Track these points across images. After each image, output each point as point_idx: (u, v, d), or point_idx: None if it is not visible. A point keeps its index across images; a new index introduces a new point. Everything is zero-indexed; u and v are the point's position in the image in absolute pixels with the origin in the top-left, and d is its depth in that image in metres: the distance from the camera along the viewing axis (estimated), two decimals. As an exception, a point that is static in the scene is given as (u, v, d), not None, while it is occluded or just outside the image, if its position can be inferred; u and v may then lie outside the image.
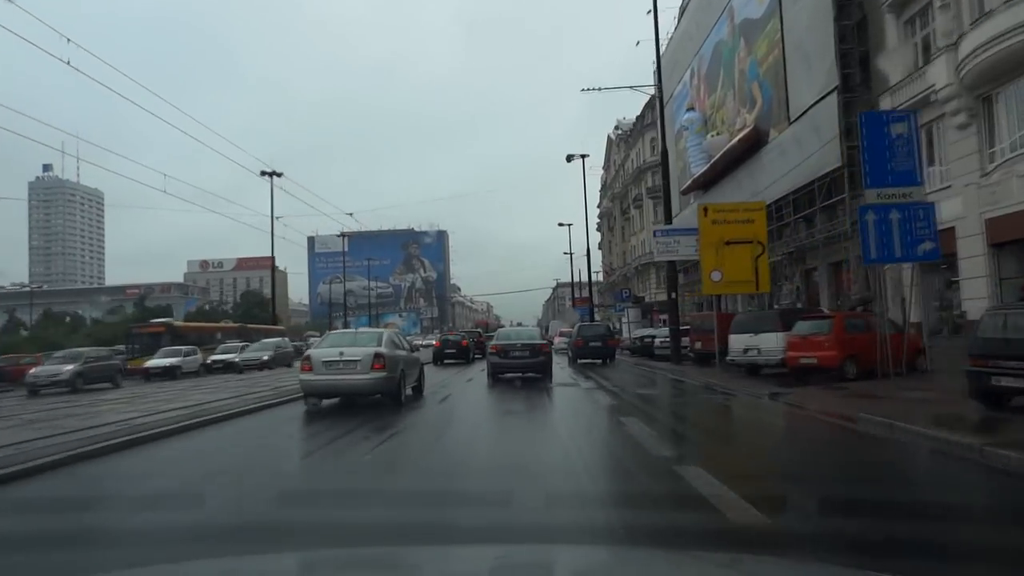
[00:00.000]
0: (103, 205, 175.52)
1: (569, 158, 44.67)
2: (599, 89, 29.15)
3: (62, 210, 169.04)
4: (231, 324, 51.41)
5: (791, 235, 28.15)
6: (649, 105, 62.10)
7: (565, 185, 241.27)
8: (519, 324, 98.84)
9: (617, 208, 74.51)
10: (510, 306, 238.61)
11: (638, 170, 63.72)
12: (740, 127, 31.45)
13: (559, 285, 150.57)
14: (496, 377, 18.94)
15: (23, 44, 20.85)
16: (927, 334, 16.33)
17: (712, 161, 33.32)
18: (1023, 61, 16.42)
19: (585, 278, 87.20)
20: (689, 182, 38.17)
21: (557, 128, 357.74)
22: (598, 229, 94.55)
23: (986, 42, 16.88)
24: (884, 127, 12.16)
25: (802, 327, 14.59)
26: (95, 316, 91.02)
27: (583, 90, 49.06)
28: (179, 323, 45.75)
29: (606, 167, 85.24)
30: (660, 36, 27.53)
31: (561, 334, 51.07)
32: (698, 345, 20.71)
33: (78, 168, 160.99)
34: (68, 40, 20.37)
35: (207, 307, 74.14)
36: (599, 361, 26.97)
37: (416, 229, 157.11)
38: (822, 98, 23.70)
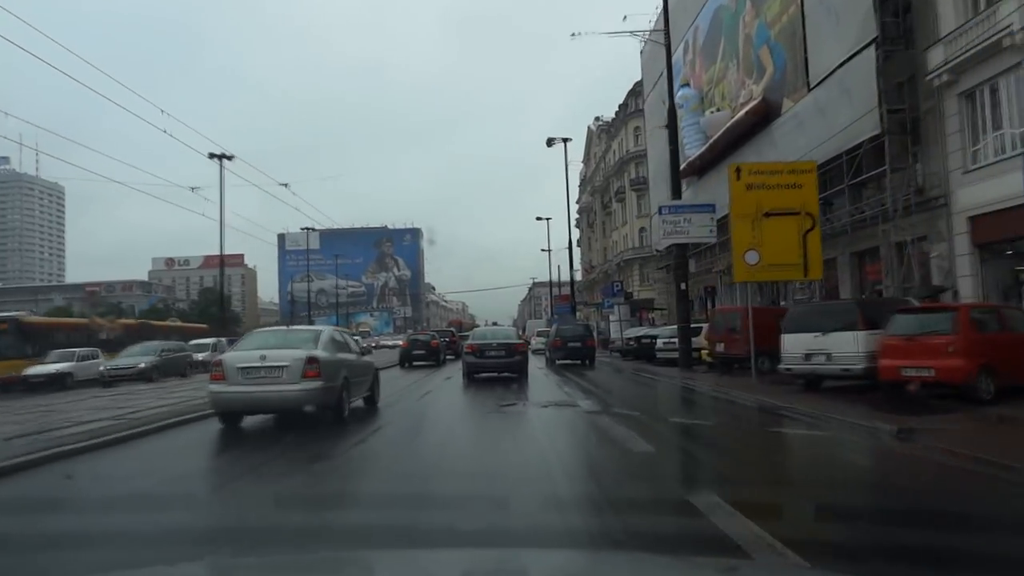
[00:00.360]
0: (64, 200, 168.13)
1: (550, 142, 40.66)
2: (592, 34, 25.11)
3: (19, 205, 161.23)
4: (131, 321, 43.88)
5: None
6: (632, 93, 58.44)
7: (543, 186, 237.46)
8: (494, 324, 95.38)
9: (598, 202, 70.69)
10: (485, 306, 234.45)
11: (621, 161, 59.90)
12: (745, 101, 27.65)
13: (535, 284, 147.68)
14: (472, 377, 18.52)
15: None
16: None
17: (711, 141, 29.47)
18: None
19: (563, 276, 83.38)
20: (684, 166, 34.24)
21: (537, 129, 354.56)
22: (577, 226, 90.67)
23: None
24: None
25: (905, 323, 10.28)
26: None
27: (572, 35, 45.02)
28: (34, 319, 35.15)
29: (585, 161, 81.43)
30: (648, 13, 23.49)
31: (539, 334, 46.67)
32: (719, 347, 16.61)
33: (37, 161, 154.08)
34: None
35: (161, 305, 68.98)
36: (578, 362, 25.49)
37: (390, 227, 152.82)
38: (854, 55, 19.87)
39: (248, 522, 5.13)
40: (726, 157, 30.17)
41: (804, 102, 23.07)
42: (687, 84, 34.55)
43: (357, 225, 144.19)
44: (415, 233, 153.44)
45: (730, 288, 34.69)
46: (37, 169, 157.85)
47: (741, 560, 2.24)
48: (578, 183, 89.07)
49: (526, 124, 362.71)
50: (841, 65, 20.60)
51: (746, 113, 26.08)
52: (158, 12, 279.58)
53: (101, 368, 25.68)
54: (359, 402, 12.67)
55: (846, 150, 20.78)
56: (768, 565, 2.11)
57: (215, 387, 10.50)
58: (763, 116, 25.78)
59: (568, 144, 41.13)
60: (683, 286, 19.27)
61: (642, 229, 57.46)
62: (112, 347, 29.99)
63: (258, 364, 10.40)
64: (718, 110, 30.13)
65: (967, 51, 16.52)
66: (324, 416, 10.81)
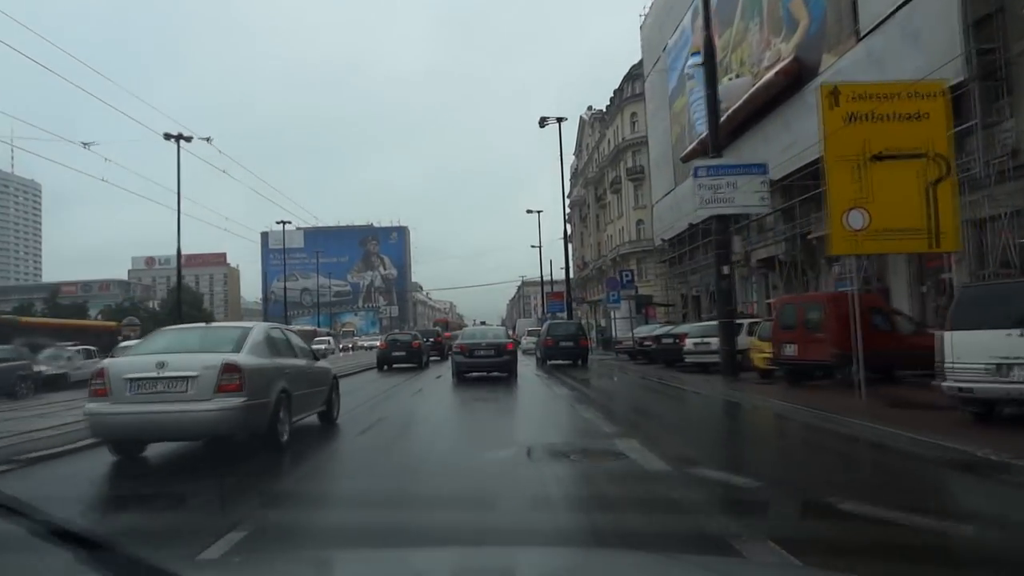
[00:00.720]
0: (40, 198, 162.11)
1: (542, 122, 36.50)
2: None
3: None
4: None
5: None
6: (629, 78, 54.51)
7: (533, 185, 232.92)
8: (483, 323, 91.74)
9: (591, 195, 66.68)
10: (474, 305, 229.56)
11: (616, 150, 55.89)
12: (771, 63, 23.73)
13: (525, 283, 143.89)
14: (461, 376, 18.47)
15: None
16: None
17: (730, 111, 25.49)
18: None
19: (556, 274, 79.50)
20: (694, 144, 30.32)
21: (526, 126, 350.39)
22: (568, 221, 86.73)
23: None
24: None
25: None
26: None
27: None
28: None
29: (577, 153, 77.44)
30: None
31: (529, 333, 44.18)
32: (789, 350, 12.02)
33: (12, 157, 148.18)
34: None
35: (127, 304, 64.24)
36: (570, 362, 24.15)
37: (376, 225, 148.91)
38: (924, -12, 15.96)
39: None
40: (746, 131, 26.30)
41: (852, 55, 19.15)
42: (698, 51, 30.48)
43: (343, 223, 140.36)
44: (401, 231, 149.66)
45: (746, 281, 30.78)
46: (12, 165, 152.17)
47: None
48: (569, 176, 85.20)
49: (515, 122, 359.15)
50: (904, 4, 16.67)
51: (776, 74, 22.12)
52: (139, 9, 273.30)
53: None
54: (313, 418, 10.15)
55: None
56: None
57: (94, 406, 7.59)
58: (795, 77, 21.85)
59: (562, 125, 37.01)
60: (725, 269, 15.17)
61: (639, 221, 53.52)
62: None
63: (155, 374, 7.56)
64: (737, 76, 26.16)
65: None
66: (254, 443, 7.96)
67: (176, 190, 37.93)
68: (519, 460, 6.91)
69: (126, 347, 13.01)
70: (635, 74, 53.27)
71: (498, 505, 5.10)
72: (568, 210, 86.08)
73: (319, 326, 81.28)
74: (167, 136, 36.51)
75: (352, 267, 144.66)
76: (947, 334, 7.01)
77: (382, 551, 3.01)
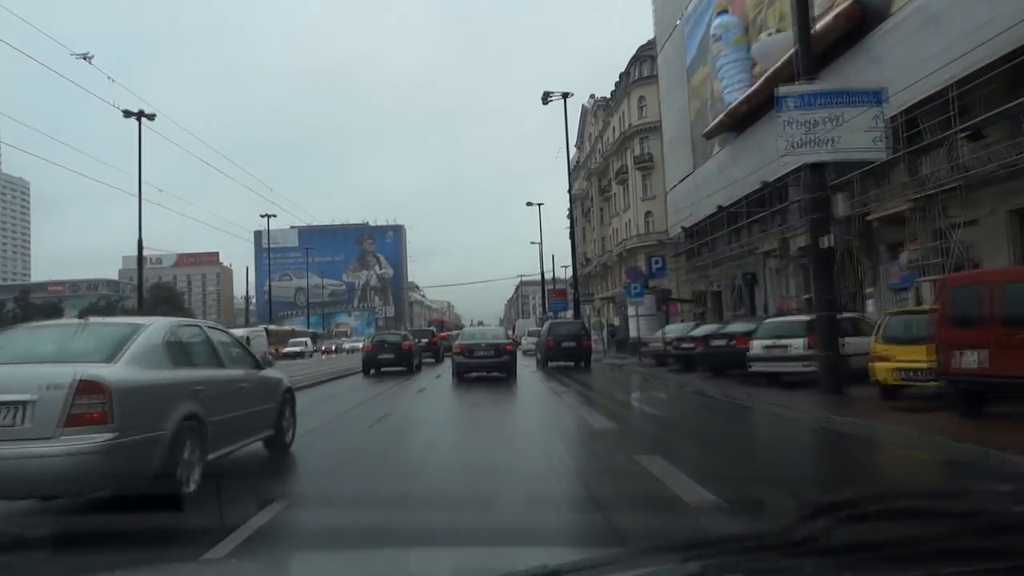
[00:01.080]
0: (28, 196, 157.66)
1: (545, 98, 32.62)
2: None
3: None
4: None
5: (935, 165, 16.58)
6: (636, 60, 50.57)
7: (531, 185, 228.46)
8: (480, 323, 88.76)
9: (595, 187, 62.69)
10: (471, 305, 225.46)
11: (623, 137, 51.91)
12: (822, 11, 19.73)
13: (523, 283, 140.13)
14: (461, 376, 18.41)
15: None
16: None
17: (768, 73, 21.52)
18: None
19: (554, 271, 75.51)
20: (721, 116, 26.37)
21: (526, 126, 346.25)
22: (569, 216, 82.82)
23: None
24: None
25: None
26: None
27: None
28: None
29: (579, 144, 73.44)
30: None
31: (530, 333, 42.27)
32: (972, 359, 7.20)
33: (0, 154, 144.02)
34: None
35: (102, 303, 60.00)
36: (572, 364, 23.09)
37: (372, 223, 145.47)
38: None
39: None
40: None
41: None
42: (725, 11, 26.59)
43: (338, 222, 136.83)
44: (397, 230, 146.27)
45: (779, 274, 26.84)
46: (0, 163, 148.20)
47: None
48: (570, 169, 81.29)
49: (514, 121, 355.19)
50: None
51: (835, 17, 18.12)
52: (132, 14, 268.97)
53: None
54: (258, 444, 7.57)
55: (1007, 53, 13.01)
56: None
57: None
58: (858, 22, 17.89)
59: (568, 101, 33.08)
60: (825, 241, 11.09)
61: (648, 213, 49.58)
62: None
63: None
64: (777, 31, 22.19)
65: None
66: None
67: (138, 175, 34.09)
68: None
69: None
70: (643, 55, 49.37)
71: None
72: (568, 206, 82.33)
73: (309, 327, 77.32)
74: (127, 113, 32.65)
75: (347, 266, 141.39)
76: None
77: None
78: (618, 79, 54.13)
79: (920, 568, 1.13)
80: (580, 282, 72.97)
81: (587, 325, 31.90)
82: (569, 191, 38.92)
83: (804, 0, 11.42)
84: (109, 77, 26.14)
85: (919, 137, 16.58)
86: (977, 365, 6.99)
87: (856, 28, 18.08)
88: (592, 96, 64.63)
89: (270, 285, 62.95)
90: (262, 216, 55.09)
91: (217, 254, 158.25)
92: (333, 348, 57.94)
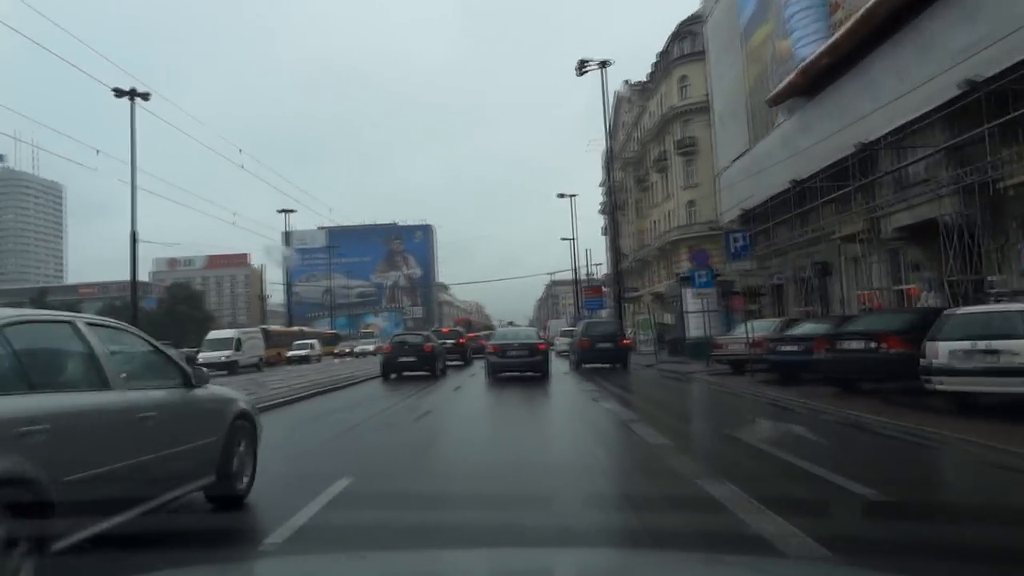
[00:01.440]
0: (62, 199, 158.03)
1: (581, 67, 28.69)
2: None
3: (15, 204, 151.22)
4: None
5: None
6: (677, 36, 46.44)
7: (563, 184, 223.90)
8: (511, 323, 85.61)
9: (630, 178, 58.47)
10: (501, 306, 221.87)
11: (663, 120, 47.72)
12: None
13: (554, 282, 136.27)
14: (495, 376, 18.49)
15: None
16: None
17: (862, 12, 17.36)
18: None
19: (588, 267, 71.57)
20: (792, 76, 22.17)
21: (554, 123, 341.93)
22: (601, 212, 78.73)
23: None
24: None
25: None
26: None
27: None
28: None
29: (612, 134, 69.28)
30: None
31: (563, 333, 40.85)
32: None
33: (35, 158, 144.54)
34: None
35: (118, 303, 57.54)
36: (608, 366, 21.91)
37: (399, 223, 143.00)
38: None
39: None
40: (876, 46, 18.13)
41: None
42: (796, -49, 22.37)
43: (367, 222, 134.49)
44: (426, 229, 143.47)
45: (863, 261, 22.62)
46: (35, 167, 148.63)
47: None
48: (602, 164, 77.22)
49: (545, 116, 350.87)
50: None
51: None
52: (161, 16, 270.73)
53: None
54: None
55: None
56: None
57: None
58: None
59: (600, 83, 29.16)
60: None
61: (691, 203, 45.36)
62: None
63: None
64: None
65: None
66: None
67: (131, 159, 31.01)
68: None
69: None
70: (685, 31, 45.23)
71: None
72: (601, 202, 78.24)
73: (333, 327, 74.35)
74: (118, 92, 29.59)
75: (376, 267, 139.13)
76: None
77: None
78: (656, 59, 49.94)
79: None
80: (614, 281, 68.89)
81: (633, 324, 28.32)
82: (609, 162, 34.91)
83: None
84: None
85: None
86: None
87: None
88: (626, 82, 60.43)
89: (287, 284, 59.81)
90: (279, 211, 52.04)
91: (247, 255, 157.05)
92: (347, 351, 54.20)
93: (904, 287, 20.20)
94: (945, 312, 8.94)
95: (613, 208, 33.07)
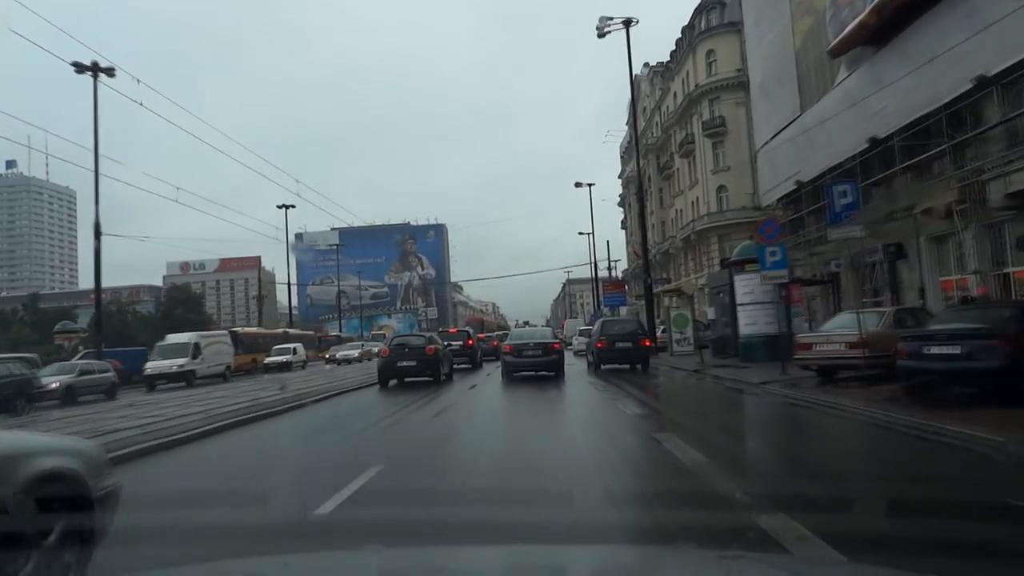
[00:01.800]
0: (75, 205, 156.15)
1: (602, 28, 24.78)
2: None
3: (29, 210, 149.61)
4: None
5: None
6: (701, 10, 42.39)
7: (578, 177, 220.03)
8: (526, 323, 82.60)
9: (652, 166, 54.40)
10: (516, 305, 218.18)
11: (688, 100, 43.64)
12: None
13: (570, 281, 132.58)
14: (511, 375, 18.61)
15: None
16: None
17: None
18: None
19: (609, 262, 67.62)
20: (863, 16, 18.11)
21: (574, 125, 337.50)
22: (620, 205, 74.71)
23: None
24: None
25: None
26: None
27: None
28: None
29: (631, 122, 65.29)
30: None
31: (580, 332, 38.54)
32: None
33: (47, 164, 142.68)
34: None
35: (112, 307, 54.54)
36: (627, 367, 20.45)
37: (412, 223, 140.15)
38: None
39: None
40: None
41: None
42: None
43: (379, 222, 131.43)
44: (439, 229, 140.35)
45: (940, 245, 18.56)
46: (47, 172, 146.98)
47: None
48: (620, 153, 73.16)
49: (562, 120, 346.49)
50: None
51: None
52: (184, 17, 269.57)
53: None
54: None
55: None
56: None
57: None
58: None
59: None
60: None
61: (721, 188, 41.31)
62: None
63: None
64: None
65: None
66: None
67: (94, 137, 27.67)
68: None
69: None
70: (710, 2, 41.19)
71: None
72: (620, 194, 74.17)
73: (341, 330, 70.94)
74: (79, 68, 26.15)
75: (389, 268, 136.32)
76: None
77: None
78: (680, 35, 45.87)
79: None
80: (633, 276, 64.76)
81: (665, 320, 24.68)
82: (635, 133, 31.04)
83: None
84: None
85: None
86: None
87: None
88: (646, 64, 56.36)
89: (290, 285, 56.35)
90: (279, 207, 48.43)
91: (259, 258, 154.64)
92: (327, 356, 44.81)
93: (1011, 270, 16.15)
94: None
95: (641, 185, 29.07)
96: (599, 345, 21.04)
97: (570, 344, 39.37)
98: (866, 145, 19.63)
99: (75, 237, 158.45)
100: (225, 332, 32.42)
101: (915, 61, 16.78)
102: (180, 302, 57.14)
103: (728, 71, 40.05)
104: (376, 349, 41.09)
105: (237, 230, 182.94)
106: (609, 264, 55.21)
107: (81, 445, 3.97)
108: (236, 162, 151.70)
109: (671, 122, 48.05)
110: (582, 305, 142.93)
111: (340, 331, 67.93)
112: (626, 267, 69.84)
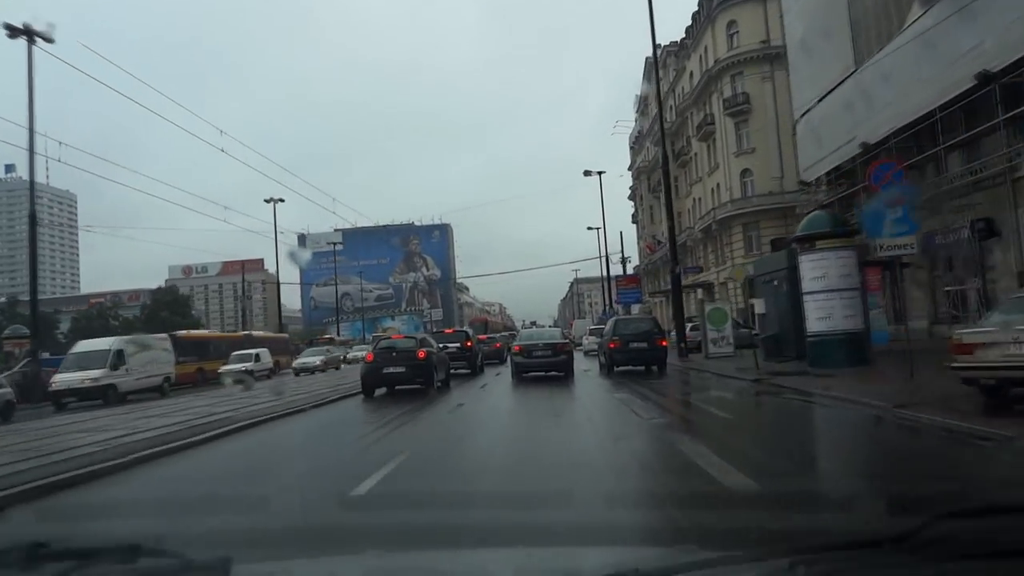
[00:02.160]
0: (76, 209, 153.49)
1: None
2: None
3: (28, 214, 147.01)
4: None
5: None
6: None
7: (585, 184, 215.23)
8: (533, 323, 79.31)
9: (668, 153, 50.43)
10: (523, 305, 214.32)
11: (706, 78, 39.69)
12: None
13: (578, 280, 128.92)
14: (520, 376, 18.62)
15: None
16: None
17: None
18: None
19: (623, 256, 63.77)
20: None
21: (578, 126, 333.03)
22: (631, 198, 70.77)
23: None
24: None
25: None
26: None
27: None
28: None
29: (642, 111, 61.39)
30: None
31: (591, 332, 35.86)
32: None
33: (47, 169, 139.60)
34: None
35: (94, 312, 50.70)
36: (642, 368, 19.37)
37: (417, 223, 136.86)
38: None
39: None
40: None
41: None
42: None
43: (383, 223, 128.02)
44: (444, 229, 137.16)
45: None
46: (47, 177, 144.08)
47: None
48: (629, 144, 69.21)
49: (568, 119, 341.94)
50: None
51: None
52: (185, 22, 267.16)
53: None
54: None
55: None
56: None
57: None
58: None
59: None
60: None
61: (745, 171, 37.38)
62: None
63: None
64: None
65: None
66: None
67: (28, 108, 24.32)
68: None
69: None
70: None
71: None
72: (631, 187, 70.24)
73: (339, 333, 67.37)
74: (11, 31, 22.59)
75: (394, 269, 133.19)
76: None
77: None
78: (697, 8, 41.93)
79: None
80: (646, 272, 60.81)
81: (698, 315, 21.23)
82: (658, 93, 27.26)
83: None
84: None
85: None
86: None
87: None
88: (658, 46, 52.34)
89: (278, 284, 52.44)
90: (266, 201, 44.67)
91: (262, 260, 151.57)
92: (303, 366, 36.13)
93: None
94: None
95: (665, 162, 25.28)
96: (612, 346, 19.89)
97: (580, 345, 36.03)
98: (950, 97, 15.73)
99: (76, 241, 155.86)
100: (166, 337, 27.13)
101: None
102: (166, 304, 53.61)
103: (751, 43, 36.15)
104: (353, 354, 35.73)
105: (243, 233, 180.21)
106: (623, 256, 51.28)
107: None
108: (241, 163, 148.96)
109: (687, 104, 44.13)
110: (590, 305, 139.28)
111: (338, 334, 64.26)
112: (637, 263, 65.86)
